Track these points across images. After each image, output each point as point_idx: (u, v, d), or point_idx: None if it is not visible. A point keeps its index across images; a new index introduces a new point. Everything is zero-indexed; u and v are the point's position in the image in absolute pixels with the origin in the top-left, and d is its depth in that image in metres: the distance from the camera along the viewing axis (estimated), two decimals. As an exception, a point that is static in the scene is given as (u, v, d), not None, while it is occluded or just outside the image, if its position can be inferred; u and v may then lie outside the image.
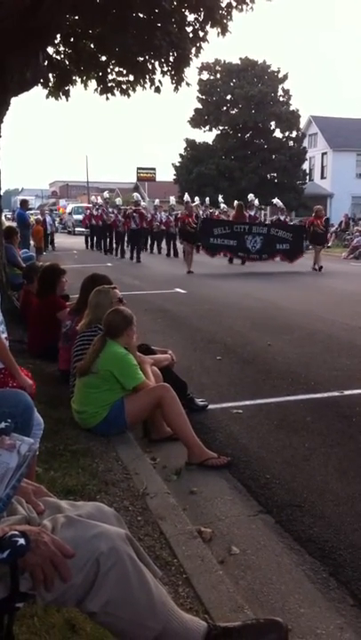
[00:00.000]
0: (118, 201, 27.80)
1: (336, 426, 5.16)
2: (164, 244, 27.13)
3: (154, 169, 60.34)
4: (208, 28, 11.24)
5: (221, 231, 19.10)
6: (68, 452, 4.22)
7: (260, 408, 5.62)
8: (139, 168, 60.26)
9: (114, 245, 26.91)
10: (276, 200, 25.34)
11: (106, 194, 29.99)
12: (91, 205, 31.77)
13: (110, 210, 27.86)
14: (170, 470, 4.22)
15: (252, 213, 23.46)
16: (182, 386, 5.24)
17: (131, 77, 11.97)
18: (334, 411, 5.55)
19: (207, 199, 29.04)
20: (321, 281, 16.75)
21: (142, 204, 26.76)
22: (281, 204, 24.83)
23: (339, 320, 10.06)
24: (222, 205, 28.12)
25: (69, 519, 1.93)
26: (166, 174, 59.50)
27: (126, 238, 25.33)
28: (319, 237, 20.15)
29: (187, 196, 25.28)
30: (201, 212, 23.50)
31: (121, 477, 3.91)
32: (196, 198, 25.70)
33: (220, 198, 29.38)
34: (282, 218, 23.97)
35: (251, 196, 24.53)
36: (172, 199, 28.81)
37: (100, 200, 29.93)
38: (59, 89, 11.89)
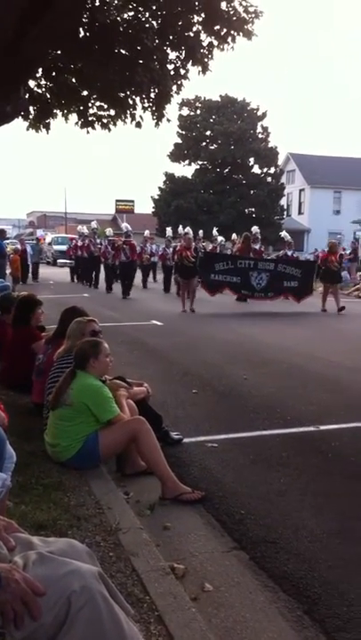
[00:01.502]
0: (109, 232, 25.63)
1: (312, 461, 5.15)
2: (157, 278, 25.68)
3: (132, 201, 60.74)
4: (189, 66, 11.44)
5: (223, 266, 17.50)
6: (39, 485, 4.15)
7: (235, 442, 5.60)
8: (117, 200, 60.61)
9: (102, 278, 24.67)
10: (283, 233, 24.17)
11: (94, 224, 28.20)
12: (76, 236, 30.06)
13: (98, 241, 26.22)
14: (143, 505, 4.17)
15: (257, 247, 21.69)
16: (157, 419, 5.22)
17: (112, 112, 12.11)
18: (310, 446, 5.55)
19: (200, 232, 27.82)
20: (302, 316, 16.56)
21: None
22: (289, 237, 23.36)
23: (316, 355, 10.13)
24: (219, 238, 26.39)
25: (41, 556, 1.90)
26: (145, 207, 59.97)
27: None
28: (334, 275, 18.13)
29: (187, 229, 23.42)
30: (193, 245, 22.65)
31: (93, 512, 3.85)
32: (188, 229, 23.71)
33: (215, 231, 27.61)
34: (289, 253, 22.34)
35: (255, 229, 22.56)
36: (169, 230, 26.48)
37: (86, 230, 27.91)
38: (39, 121, 11.99)
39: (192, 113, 51.13)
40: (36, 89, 11.54)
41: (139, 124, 11.97)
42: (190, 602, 2.95)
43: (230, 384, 7.86)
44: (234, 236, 26.65)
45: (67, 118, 12.18)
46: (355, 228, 45.97)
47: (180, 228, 25.76)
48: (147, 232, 27.61)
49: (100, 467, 4.61)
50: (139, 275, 25.19)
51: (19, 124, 11.39)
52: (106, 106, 12.10)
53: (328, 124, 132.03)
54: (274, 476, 4.78)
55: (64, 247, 37.77)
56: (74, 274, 29.57)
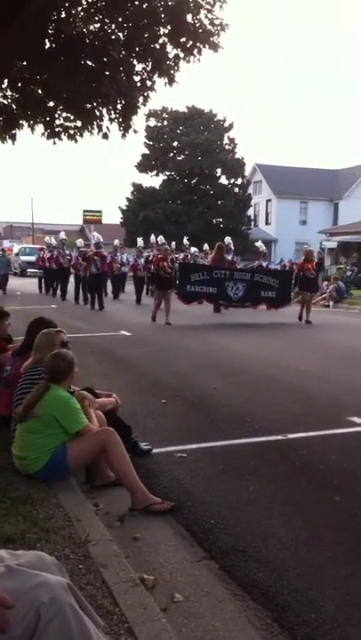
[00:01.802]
0: (80, 242, 24.54)
1: (280, 469, 5.19)
2: (126, 289, 25.07)
3: (100, 211, 60.54)
4: (156, 77, 11.51)
5: (199, 277, 17.16)
6: (7, 499, 4.12)
7: (204, 452, 5.62)
8: (85, 210, 60.37)
9: (72, 290, 23.55)
10: (259, 243, 23.54)
11: (62, 235, 27.16)
12: (45, 246, 28.25)
13: (67, 252, 25.37)
14: (113, 516, 4.16)
15: (230, 257, 21.26)
16: (126, 430, 5.21)
17: (78, 123, 12.10)
18: (278, 454, 5.59)
19: (173, 243, 27.11)
20: (278, 326, 16.49)
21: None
22: (263, 247, 22.90)
23: (284, 363, 10.22)
24: (192, 249, 25.70)
25: (9, 569, 1.89)
26: (113, 217, 59.85)
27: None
28: (310, 284, 17.87)
29: (160, 238, 23.28)
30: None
31: (62, 524, 3.83)
32: (161, 238, 23.73)
33: (186, 240, 27.15)
34: (264, 264, 21.87)
35: (228, 239, 22.00)
36: (140, 241, 25.36)
37: (53, 241, 26.73)
38: (5, 132, 11.94)
39: (159, 124, 51.37)
40: (1, 100, 11.50)
41: (105, 136, 11.98)
42: (160, 612, 2.95)
43: (200, 394, 7.88)
44: (206, 246, 26.47)
45: (33, 129, 12.14)
46: (321, 237, 46.59)
47: (152, 237, 25.33)
48: (116, 241, 26.83)
49: (68, 479, 4.58)
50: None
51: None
52: (72, 117, 12.09)
53: (294, 136, 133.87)
54: (243, 485, 4.80)
55: (32, 258, 36.16)
56: (43, 285, 28.60)
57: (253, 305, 17.82)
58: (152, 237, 25.52)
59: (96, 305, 20.30)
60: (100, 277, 21.20)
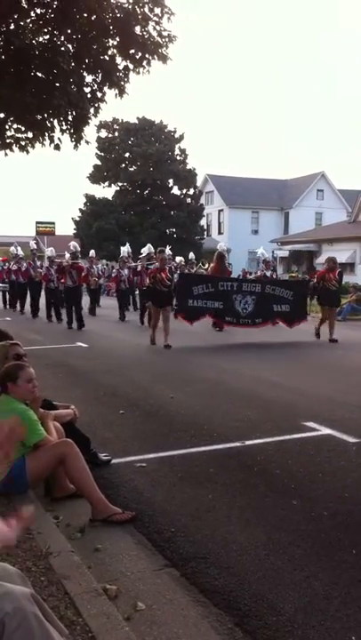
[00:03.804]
0: (50, 252, 21.72)
1: (238, 476, 5.24)
2: (103, 304, 23.41)
3: (53, 223, 60.05)
4: (106, 89, 11.58)
5: (203, 290, 14.68)
6: (-34, 513, 4.07)
7: (163, 461, 5.64)
8: (38, 222, 59.86)
9: (43, 306, 21.26)
10: (261, 251, 21.62)
11: (32, 244, 24.78)
12: (10, 257, 25.41)
13: (38, 263, 22.85)
14: (73, 528, 4.15)
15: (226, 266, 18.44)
16: (85, 441, 5.21)
17: (30, 134, 12.07)
18: (236, 461, 5.65)
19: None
20: (226, 333, 16.07)
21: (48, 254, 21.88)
22: (266, 255, 21.03)
23: (239, 370, 10.30)
24: (178, 258, 23.71)
25: (-28, 581, 1.88)
26: (66, 228, 59.34)
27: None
28: (332, 297, 15.19)
29: (149, 247, 20.99)
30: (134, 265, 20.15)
31: (23, 538, 3.78)
32: (149, 247, 21.23)
33: (168, 250, 23.33)
34: (267, 274, 19.94)
35: (222, 245, 19.71)
36: (123, 250, 22.92)
37: (20, 252, 23.89)
38: None
39: (110, 135, 51.48)
40: None
41: (57, 147, 11.97)
42: (123, 621, 2.96)
43: (157, 403, 7.90)
44: (191, 255, 25.59)
45: (-17, 140, 12.05)
46: (272, 246, 47.22)
47: (148, 246, 22.23)
48: (92, 252, 24.65)
49: (28, 491, 4.55)
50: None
51: None
52: (23, 128, 12.06)
53: (243, 147, 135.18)
54: (202, 493, 4.84)
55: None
56: (9, 300, 25.84)
57: (265, 322, 15.58)
58: (148, 247, 22.29)
59: (74, 324, 17.65)
60: (76, 291, 18.34)
